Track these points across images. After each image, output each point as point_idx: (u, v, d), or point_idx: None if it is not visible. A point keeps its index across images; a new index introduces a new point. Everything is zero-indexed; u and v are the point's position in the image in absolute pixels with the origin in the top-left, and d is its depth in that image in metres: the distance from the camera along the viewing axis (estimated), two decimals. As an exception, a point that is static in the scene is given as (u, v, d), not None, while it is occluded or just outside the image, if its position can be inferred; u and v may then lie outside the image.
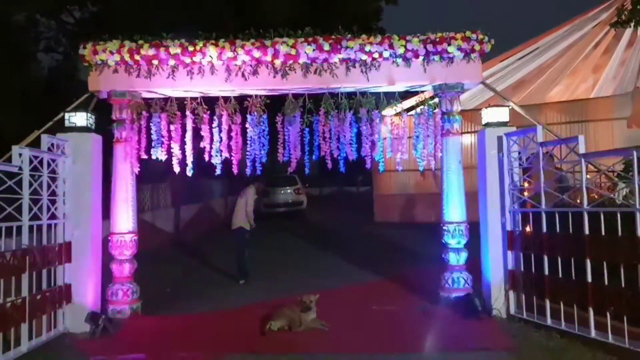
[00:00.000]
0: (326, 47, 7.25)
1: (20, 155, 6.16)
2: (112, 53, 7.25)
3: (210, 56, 7.29)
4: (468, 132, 16.34)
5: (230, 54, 7.27)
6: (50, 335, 6.51)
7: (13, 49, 19.46)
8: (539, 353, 5.68)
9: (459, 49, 7.30)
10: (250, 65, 7.41)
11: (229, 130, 7.72)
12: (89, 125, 7.36)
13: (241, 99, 7.78)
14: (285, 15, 20.71)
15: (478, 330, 6.57)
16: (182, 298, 8.71)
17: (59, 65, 24.71)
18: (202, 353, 6.08)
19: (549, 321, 6.31)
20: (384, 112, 7.87)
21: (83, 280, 7.05)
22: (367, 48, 7.27)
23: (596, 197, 6.13)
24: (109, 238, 7.59)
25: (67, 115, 7.30)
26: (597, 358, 5.39)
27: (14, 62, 19.38)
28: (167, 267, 11.70)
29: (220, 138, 7.70)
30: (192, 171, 7.77)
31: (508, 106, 7.54)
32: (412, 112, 8.20)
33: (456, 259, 7.59)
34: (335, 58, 7.34)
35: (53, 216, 6.75)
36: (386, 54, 7.32)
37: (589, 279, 5.75)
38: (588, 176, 6.08)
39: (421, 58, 7.37)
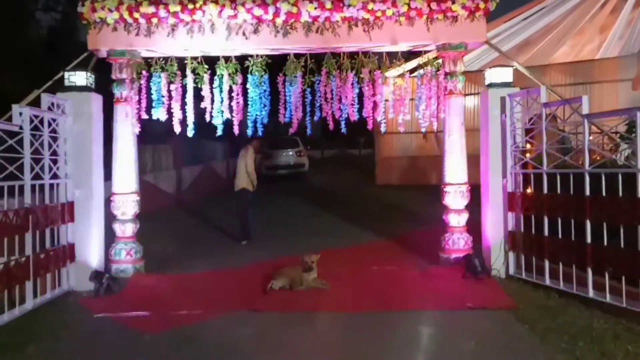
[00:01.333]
0: (328, 5, 7.12)
1: (20, 114, 6.14)
2: (110, 11, 7.13)
3: (210, 14, 7.18)
4: (471, 94, 16.24)
5: (230, 12, 7.16)
6: (54, 293, 6.61)
7: (11, 8, 19.17)
8: (537, 312, 5.74)
9: (463, 7, 7.17)
10: (251, 24, 7.31)
11: (230, 91, 7.66)
12: (89, 85, 7.30)
13: (242, 59, 7.70)
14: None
15: (477, 289, 6.64)
16: (184, 257, 8.80)
17: (58, 24, 24.36)
18: (204, 311, 6.16)
19: (547, 281, 6.37)
20: (386, 73, 7.79)
21: (86, 239, 7.11)
22: (370, 6, 7.14)
23: (598, 158, 6.11)
24: (111, 198, 7.63)
25: (66, 75, 7.24)
26: (594, 317, 5.45)
27: (13, 21, 19.12)
28: (169, 227, 11.78)
29: (222, 98, 7.65)
30: (193, 132, 7.75)
31: (512, 67, 7.45)
32: (415, 74, 8.11)
33: (457, 220, 7.62)
34: (338, 16, 7.22)
35: (55, 176, 6.76)
36: (389, 12, 7.19)
37: (589, 240, 5.79)
38: (591, 137, 6.05)
39: (425, 16, 7.26)
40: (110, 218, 7.66)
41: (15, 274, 5.83)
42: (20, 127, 6.10)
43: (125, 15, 7.16)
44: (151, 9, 7.13)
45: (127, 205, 7.60)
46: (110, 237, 7.65)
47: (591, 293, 5.77)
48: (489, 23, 7.91)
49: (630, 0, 14.94)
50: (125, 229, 7.63)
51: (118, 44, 7.38)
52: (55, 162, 6.76)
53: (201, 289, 7.05)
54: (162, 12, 7.14)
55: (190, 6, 7.13)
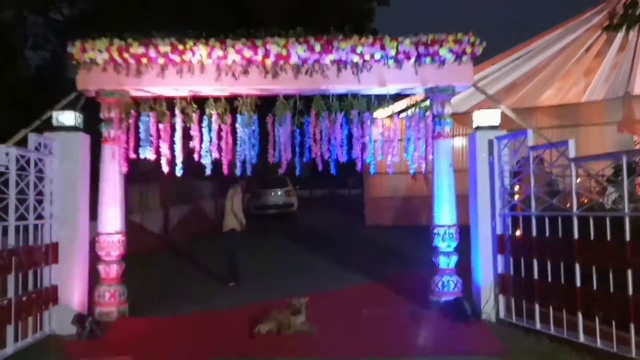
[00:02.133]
0: (317, 47, 7.20)
1: (7, 154, 6.08)
2: (100, 51, 7.17)
3: (200, 55, 7.23)
4: (459, 135, 16.39)
5: (220, 53, 7.22)
6: (36, 337, 6.44)
7: (0, 46, 19.29)
8: (528, 357, 5.67)
9: (451, 51, 7.28)
10: (241, 65, 7.36)
11: (219, 131, 7.67)
12: (77, 125, 7.27)
13: (231, 99, 7.73)
14: (278, 11, 20.69)
15: (467, 334, 6.55)
16: (170, 300, 8.63)
17: (47, 63, 24.46)
18: (190, 356, 6.02)
19: (538, 325, 6.30)
20: (375, 114, 7.84)
21: (70, 281, 6.97)
22: (359, 49, 7.23)
23: (586, 201, 6.13)
24: (97, 239, 7.51)
25: (55, 114, 7.21)
26: (585, 362, 5.39)
27: (1, 59, 19.20)
28: (155, 268, 11.60)
29: (210, 138, 7.65)
30: (181, 171, 7.71)
31: (499, 109, 7.53)
32: (403, 115, 8.17)
33: (446, 262, 7.56)
34: (327, 59, 7.30)
35: (40, 216, 6.67)
36: (378, 55, 7.29)
37: (578, 284, 5.75)
38: (578, 180, 6.08)
39: (413, 60, 7.34)
40: (95, 259, 7.53)
41: (-5, 317, 5.69)
42: (6, 168, 6.04)
43: (115, 55, 7.19)
44: (141, 50, 7.17)
45: (112, 246, 7.48)
46: (94, 279, 7.50)
47: (582, 338, 5.71)
48: (476, 66, 8.02)
49: (615, 45, 15.28)
50: (110, 271, 7.49)
51: (107, 84, 7.38)
52: (40, 202, 6.68)
53: (187, 333, 6.88)
54: (152, 53, 7.18)
55: (180, 47, 7.19)
